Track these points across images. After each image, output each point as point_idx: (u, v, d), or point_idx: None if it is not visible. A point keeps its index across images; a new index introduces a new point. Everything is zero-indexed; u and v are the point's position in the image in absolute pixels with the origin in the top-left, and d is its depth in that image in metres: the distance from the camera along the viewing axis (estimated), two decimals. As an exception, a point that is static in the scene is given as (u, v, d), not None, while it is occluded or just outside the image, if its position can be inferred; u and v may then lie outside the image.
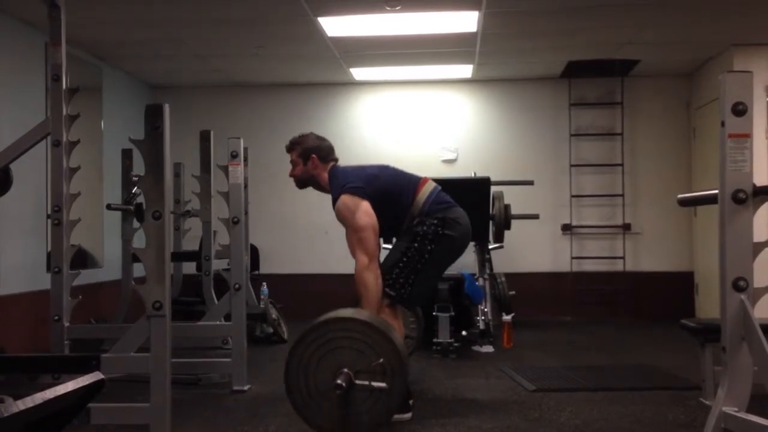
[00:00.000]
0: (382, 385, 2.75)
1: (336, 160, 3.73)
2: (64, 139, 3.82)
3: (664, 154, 7.67)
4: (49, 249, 3.90)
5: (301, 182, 3.75)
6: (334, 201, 3.51)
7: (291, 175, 3.75)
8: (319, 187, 3.72)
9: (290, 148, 3.73)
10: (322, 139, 3.75)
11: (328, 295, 5.81)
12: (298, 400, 2.88)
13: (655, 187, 7.61)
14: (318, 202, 4.31)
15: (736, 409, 2.47)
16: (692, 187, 7.32)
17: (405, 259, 3.44)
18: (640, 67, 7.20)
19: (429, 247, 3.44)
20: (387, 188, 3.54)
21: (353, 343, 2.81)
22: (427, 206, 3.52)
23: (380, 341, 2.80)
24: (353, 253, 3.42)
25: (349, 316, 2.95)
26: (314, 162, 3.65)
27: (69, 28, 3.93)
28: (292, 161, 3.72)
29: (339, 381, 2.74)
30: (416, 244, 3.45)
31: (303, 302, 7.27)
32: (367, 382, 2.75)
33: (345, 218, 3.45)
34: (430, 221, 3.47)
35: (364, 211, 3.42)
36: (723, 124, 2.51)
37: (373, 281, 3.35)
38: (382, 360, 2.76)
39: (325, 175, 3.66)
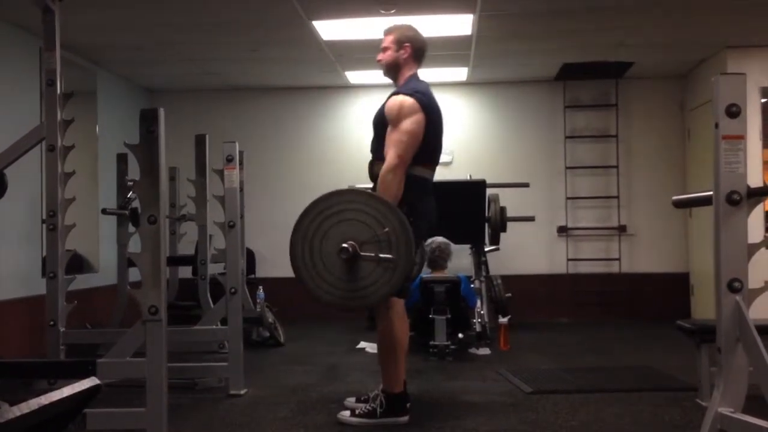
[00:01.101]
0: (388, 256, 2.71)
1: (421, 67, 3.59)
2: (59, 143, 3.82)
3: (658, 156, 7.69)
4: (45, 254, 3.89)
5: (388, 68, 3.58)
6: (395, 95, 3.39)
7: (379, 60, 3.61)
8: (395, 79, 3.56)
9: (388, 31, 3.61)
10: (422, 36, 3.61)
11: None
12: (303, 273, 2.83)
13: (650, 188, 7.64)
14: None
15: (731, 409, 2.47)
16: (687, 188, 7.34)
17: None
18: (635, 69, 7.22)
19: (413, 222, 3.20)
20: (430, 133, 3.39)
21: (358, 215, 2.76)
22: (417, 187, 3.35)
23: (385, 213, 2.75)
24: (386, 152, 3.28)
25: (354, 188, 2.93)
26: (407, 51, 3.52)
27: (63, 32, 3.93)
28: (383, 46, 3.59)
29: (345, 245, 2.69)
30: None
31: (299, 306, 7.23)
32: (372, 254, 2.71)
33: (396, 115, 3.32)
34: (403, 205, 3.22)
35: (417, 121, 3.31)
36: (717, 125, 2.52)
37: (395, 183, 3.18)
38: (387, 229, 2.71)
39: (408, 72, 3.53)
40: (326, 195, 2.84)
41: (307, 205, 3.03)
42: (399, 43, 3.56)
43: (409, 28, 3.64)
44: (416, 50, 3.56)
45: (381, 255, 2.70)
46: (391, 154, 3.26)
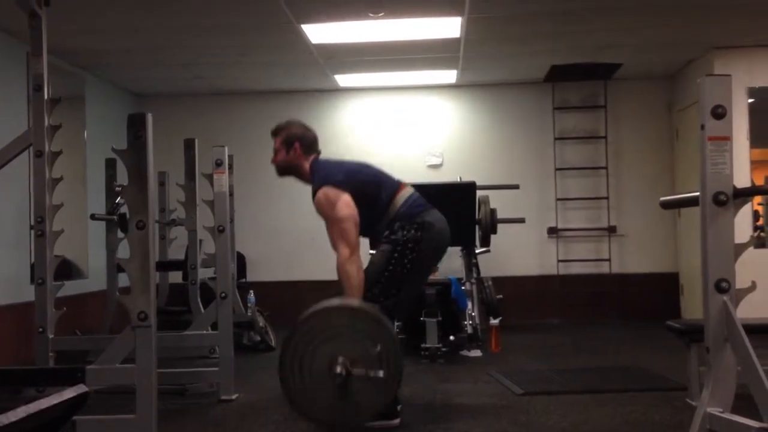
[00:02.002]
0: (380, 374, 2.71)
1: (319, 152, 3.67)
2: (47, 149, 3.79)
3: (647, 157, 7.73)
4: (33, 260, 3.87)
5: (282, 170, 3.67)
6: (314, 193, 3.46)
7: (272, 162, 3.68)
8: (300, 177, 3.66)
9: (275, 133, 3.67)
10: (308, 129, 3.69)
11: (315, 302, 5.79)
12: (292, 391, 2.83)
13: (639, 189, 7.67)
14: (304, 208, 4.29)
15: (720, 409, 2.48)
16: (676, 188, 7.38)
17: (387, 273, 3.41)
18: (623, 70, 7.25)
19: (410, 256, 3.42)
20: (367, 184, 3.52)
21: (348, 332, 2.77)
22: (405, 207, 3.49)
23: (375, 328, 2.76)
24: (334, 246, 3.37)
25: (342, 304, 2.93)
26: (297, 151, 3.60)
27: (51, 37, 3.91)
28: (275, 148, 3.66)
29: (338, 370, 2.69)
30: (397, 255, 3.42)
31: (290, 309, 7.18)
32: (364, 371, 2.71)
33: (325, 210, 3.41)
34: (409, 226, 3.45)
35: (345, 203, 3.38)
36: (703, 127, 2.53)
37: (355, 273, 3.29)
38: (379, 348, 2.72)
39: (307, 166, 3.60)
40: (315, 312, 2.84)
41: (297, 321, 2.97)
42: (288, 144, 3.62)
43: (294, 125, 3.69)
44: (306, 146, 3.63)
45: (372, 373, 2.71)
46: (340, 248, 3.33)
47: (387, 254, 3.45)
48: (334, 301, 2.96)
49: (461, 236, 6.27)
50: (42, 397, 1.60)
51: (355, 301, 3.05)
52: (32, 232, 3.83)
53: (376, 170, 3.71)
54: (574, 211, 7.72)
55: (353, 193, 3.43)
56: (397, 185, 3.61)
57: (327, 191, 3.42)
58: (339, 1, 4.98)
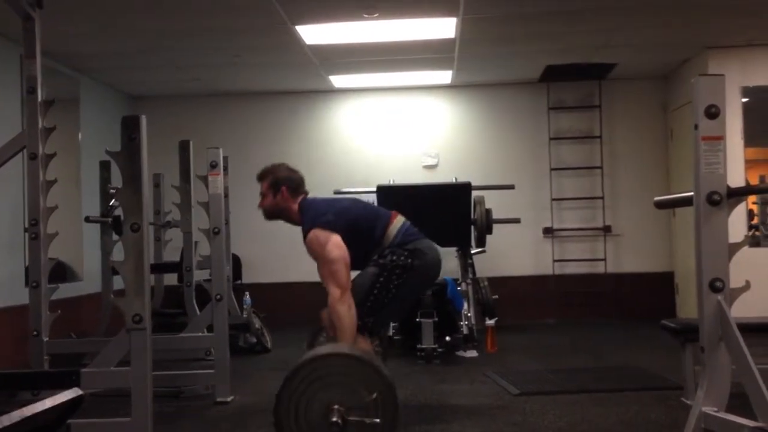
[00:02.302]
0: (376, 421, 2.72)
1: (306, 192, 3.68)
2: (41, 151, 3.78)
3: (642, 156, 7.74)
4: (27, 263, 3.86)
5: (270, 214, 3.69)
6: (305, 234, 3.47)
7: (260, 207, 3.69)
8: (289, 220, 3.67)
9: (261, 178, 3.68)
10: (294, 171, 3.69)
11: (311, 303, 5.76)
12: None
13: (634, 188, 7.68)
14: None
15: (715, 408, 2.49)
16: (670, 188, 7.40)
17: (372, 296, 3.41)
18: (617, 70, 7.27)
19: (397, 281, 3.42)
20: (358, 222, 3.52)
21: (344, 379, 2.78)
22: (398, 239, 3.50)
23: (372, 376, 2.78)
24: (326, 286, 3.39)
25: (336, 351, 2.92)
26: (284, 194, 3.60)
27: (45, 39, 3.90)
28: (261, 192, 3.67)
29: (334, 418, 2.71)
30: (382, 279, 3.42)
31: (286, 311, 7.25)
32: (360, 419, 2.73)
33: (316, 252, 3.42)
34: (400, 252, 3.45)
35: (335, 244, 3.38)
36: (696, 127, 2.54)
37: (346, 313, 3.30)
38: (375, 395, 2.73)
39: (296, 208, 3.61)
40: (308, 360, 2.84)
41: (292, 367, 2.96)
42: (275, 188, 3.63)
43: (280, 169, 3.68)
44: (293, 189, 3.64)
45: (368, 420, 2.71)
46: (331, 288, 3.34)
47: (372, 277, 3.44)
48: (328, 348, 2.96)
49: (457, 237, 6.29)
50: (37, 400, 1.59)
51: (348, 347, 3.06)
52: (26, 234, 3.81)
53: (366, 205, 3.74)
54: (570, 211, 7.73)
55: (344, 231, 3.43)
56: (388, 217, 3.61)
57: (317, 233, 3.42)
58: (333, 1, 4.98)
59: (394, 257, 3.44)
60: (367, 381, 2.76)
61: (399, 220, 3.60)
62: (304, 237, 3.48)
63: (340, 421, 2.69)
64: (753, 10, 5.51)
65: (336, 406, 2.73)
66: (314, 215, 3.50)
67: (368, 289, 3.42)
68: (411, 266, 3.44)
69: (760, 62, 6.46)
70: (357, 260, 3.44)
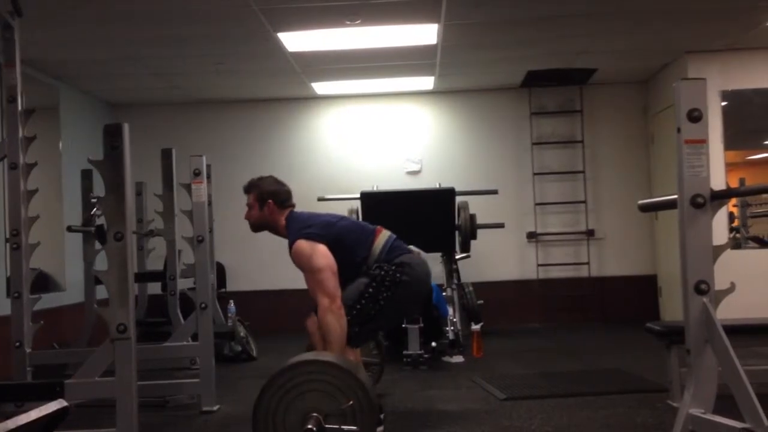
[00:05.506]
0: (353, 428, 2.71)
1: (293, 205, 3.67)
2: (21, 161, 3.74)
3: (624, 160, 7.80)
4: (9, 274, 3.81)
5: (256, 226, 3.68)
6: (291, 246, 3.46)
7: (246, 218, 3.68)
8: (275, 232, 3.66)
9: (248, 190, 3.67)
10: (281, 184, 3.68)
11: (295, 311, 5.75)
12: None
13: (616, 192, 7.74)
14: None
15: (702, 410, 2.50)
16: (652, 192, 7.46)
17: (359, 306, 3.38)
18: (598, 75, 7.33)
19: (384, 294, 3.39)
20: (342, 236, 3.50)
21: (320, 386, 2.76)
22: (384, 254, 3.48)
23: (348, 382, 2.77)
24: (314, 297, 3.37)
25: (314, 358, 2.91)
26: (270, 207, 3.59)
27: (24, 48, 3.86)
28: (248, 204, 3.66)
29: (310, 426, 2.70)
30: (371, 289, 3.40)
31: (271, 318, 7.23)
32: (336, 426, 2.72)
33: (302, 262, 3.41)
34: (387, 267, 3.43)
35: (321, 253, 3.37)
36: (679, 130, 2.56)
37: (335, 323, 3.28)
38: (351, 402, 2.72)
39: (282, 221, 3.60)
40: (286, 367, 2.82)
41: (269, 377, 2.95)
42: (261, 201, 3.63)
43: (266, 182, 3.69)
44: (280, 202, 3.63)
45: (345, 428, 2.71)
46: (320, 298, 3.32)
47: (362, 287, 3.41)
48: (307, 356, 2.95)
49: (441, 242, 6.29)
50: (21, 412, 1.56)
51: (327, 355, 3.05)
52: (7, 245, 3.77)
53: (351, 221, 3.74)
54: (553, 215, 7.77)
55: (329, 244, 3.42)
56: (373, 232, 3.59)
57: (302, 243, 3.41)
58: (315, 8, 4.98)
59: (382, 272, 3.42)
60: (343, 387, 2.75)
61: (384, 235, 3.58)
62: (290, 249, 3.46)
63: (315, 428, 2.68)
64: (732, 15, 5.58)
65: (313, 414, 2.72)
66: (299, 227, 3.49)
67: (357, 298, 3.40)
68: (400, 281, 3.41)
69: (739, 66, 6.54)
70: (342, 276, 3.42)
